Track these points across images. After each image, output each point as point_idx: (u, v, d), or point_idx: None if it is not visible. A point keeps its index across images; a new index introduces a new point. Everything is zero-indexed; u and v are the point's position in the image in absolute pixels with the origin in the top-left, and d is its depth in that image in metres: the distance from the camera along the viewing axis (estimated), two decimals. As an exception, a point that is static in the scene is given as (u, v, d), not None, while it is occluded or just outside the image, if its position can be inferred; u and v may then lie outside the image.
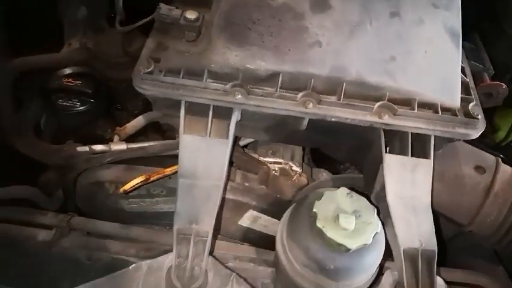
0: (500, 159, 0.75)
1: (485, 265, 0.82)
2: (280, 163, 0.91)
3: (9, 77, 0.84)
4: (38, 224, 0.72)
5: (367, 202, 0.55)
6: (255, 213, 0.86)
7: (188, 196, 0.61)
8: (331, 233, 0.52)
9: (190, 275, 0.56)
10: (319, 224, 0.53)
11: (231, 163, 0.83)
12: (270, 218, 0.86)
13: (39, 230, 0.71)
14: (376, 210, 0.55)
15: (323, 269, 0.54)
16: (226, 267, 0.59)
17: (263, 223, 0.87)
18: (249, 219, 0.87)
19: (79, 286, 0.55)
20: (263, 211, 0.85)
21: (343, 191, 0.56)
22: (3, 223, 0.70)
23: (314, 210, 0.54)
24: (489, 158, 0.75)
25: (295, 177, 0.90)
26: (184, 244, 0.58)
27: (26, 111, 0.84)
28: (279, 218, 0.64)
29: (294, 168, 0.91)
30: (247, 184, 0.86)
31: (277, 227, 0.62)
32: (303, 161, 0.94)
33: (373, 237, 0.53)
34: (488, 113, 1.24)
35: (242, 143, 0.91)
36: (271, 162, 0.91)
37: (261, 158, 0.90)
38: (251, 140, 0.91)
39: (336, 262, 0.53)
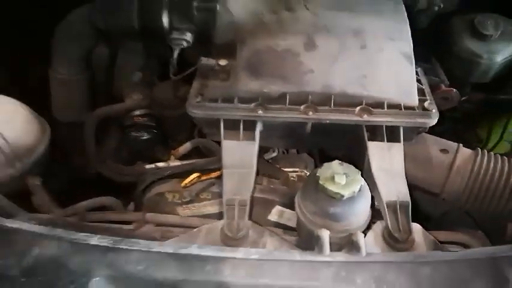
0: (461, 144, 1.00)
1: (467, 231, 1.02)
2: (297, 171, 1.17)
3: (93, 123, 1.17)
4: (122, 221, 0.99)
5: (354, 167, 0.81)
6: (281, 208, 1.10)
7: (231, 179, 0.88)
8: (330, 186, 0.77)
9: (237, 228, 0.81)
10: (321, 182, 0.78)
11: (258, 172, 1.09)
12: (292, 211, 1.10)
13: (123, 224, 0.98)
14: (360, 172, 0.80)
15: (327, 213, 0.78)
16: (262, 225, 0.84)
17: (287, 216, 1.10)
18: (276, 214, 1.10)
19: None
20: (286, 206, 1.10)
21: (337, 161, 0.82)
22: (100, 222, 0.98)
23: (317, 174, 0.79)
24: (451, 143, 0.99)
25: (309, 181, 1.16)
26: (231, 210, 0.84)
27: (107, 143, 1.15)
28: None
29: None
30: (272, 186, 1.11)
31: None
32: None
33: (360, 189, 0.78)
34: (471, 125, 1.50)
35: (267, 157, 1.18)
36: (290, 171, 1.17)
37: (282, 168, 1.17)
38: (274, 154, 1.18)
39: (335, 207, 0.77)
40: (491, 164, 0.93)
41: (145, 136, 1.12)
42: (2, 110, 1.05)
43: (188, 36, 1.05)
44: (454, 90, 1.09)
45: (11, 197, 1.01)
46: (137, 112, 1.15)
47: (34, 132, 1.08)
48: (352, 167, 0.81)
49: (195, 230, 0.83)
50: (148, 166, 1.06)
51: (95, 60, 1.29)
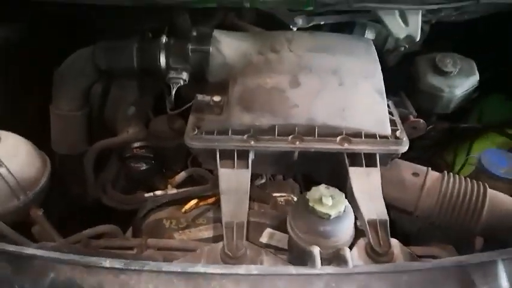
0: (430, 168, 1.13)
1: (439, 245, 1.14)
2: (284, 196, 1.27)
3: (93, 156, 1.24)
4: (125, 247, 1.06)
5: (338, 190, 0.91)
6: (271, 230, 1.18)
7: (228, 204, 0.97)
8: (319, 208, 0.87)
9: (236, 248, 0.89)
10: (310, 204, 0.88)
11: (250, 198, 1.19)
12: (282, 233, 1.19)
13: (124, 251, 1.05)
14: (344, 195, 0.91)
15: (317, 232, 0.87)
16: (257, 245, 0.92)
17: (277, 238, 1.19)
18: (266, 236, 1.18)
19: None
20: (276, 228, 1.18)
21: (323, 185, 0.92)
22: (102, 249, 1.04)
23: (307, 197, 0.89)
24: (421, 167, 1.12)
25: (295, 204, 1.26)
26: (230, 232, 0.92)
27: (108, 174, 1.22)
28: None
29: (295, 199, 1.27)
30: (262, 210, 1.20)
31: (287, 241, 0.94)
32: (301, 193, 1.31)
33: (345, 209, 0.88)
34: (439, 151, 1.64)
35: (256, 183, 1.28)
36: (278, 196, 1.27)
37: (271, 193, 1.26)
38: (263, 181, 1.28)
39: (324, 226, 0.87)
40: (457, 185, 1.06)
41: (144, 166, 1.20)
42: (6, 145, 1.12)
43: (184, 75, 1.15)
44: (421, 120, 1.23)
45: (13, 228, 1.06)
46: (136, 144, 1.24)
47: (36, 165, 1.15)
48: (337, 190, 0.91)
49: (197, 251, 0.91)
50: (147, 194, 1.13)
51: (90, 96, 1.37)
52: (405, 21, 1.20)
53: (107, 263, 0.79)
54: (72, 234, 1.09)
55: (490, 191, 1.05)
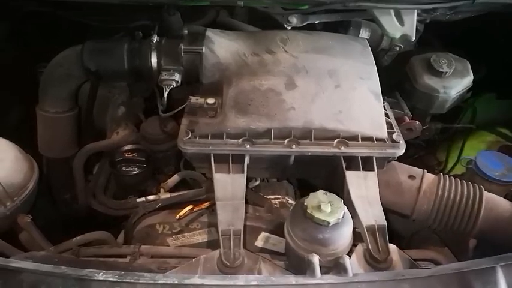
0: (425, 170, 1.12)
1: (435, 248, 1.14)
2: (279, 198, 1.25)
3: (82, 159, 1.20)
4: (117, 255, 1.03)
5: (336, 196, 0.90)
6: (266, 234, 1.17)
7: (224, 211, 0.94)
8: (317, 215, 0.85)
9: (234, 257, 0.87)
10: (309, 211, 0.86)
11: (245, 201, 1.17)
12: (277, 237, 1.17)
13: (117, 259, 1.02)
14: (342, 201, 0.89)
15: (315, 239, 0.86)
16: (254, 253, 0.91)
17: (273, 242, 1.18)
18: (262, 240, 1.17)
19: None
20: (271, 232, 1.17)
21: (321, 191, 0.90)
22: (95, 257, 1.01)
23: (305, 203, 0.88)
24: (417, 170, 1.11)
25: (290, 207, 1.24)
26: (226, 240, 0.90)
27: (98, 178, 1.18)
28: (283, 236, 0.95)
29: (290, 201, 1.25)
30: (257, 214, 1.19)
31: (283, 245, 0.93)
32: (295, 195, 1.29)
33: (343, 216, 0.87)
34: (432, 150, 1.65)
35: (250, 186, 1.25)
36: (273, 198, 1.25)
37: (266, 196, 1.24)
38: (257, 183, 1.26)
39: (323, 233, 0.85)
40: (453, 188, 1.05)
41: (136, 171, 1.17)
42: (-8, 150, 1.07)
43: (177, 76, 1.12)
44: (417, 122, 1.22)
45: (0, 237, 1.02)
46: (126, 148, 1.20)
47: (23, 170, 1.10)
48: (335, 195, 0.90)
49: (193, 260, 0.89)
50: (139, 199, 1.10)
51: (79, 96, 1.33)
52: (400, 21, 1.18)
53: (100, 275, 0.77)
54: (61, 241, 1.05)
55: (486, 193, 1.05)
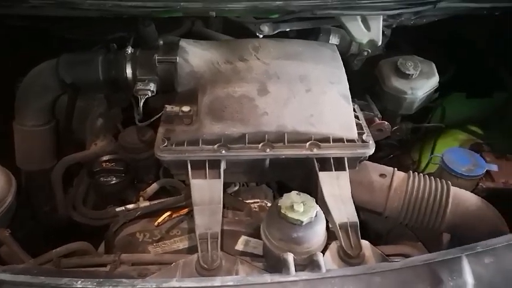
0: (396, 169, 1.16)
1: (409, 243, 1.18)
2: (258, 202, 1.28)
3: (60, 171, 1.21)
4: (98, 264, 1.04)
5: (309, 196, 0.93)
6: (246, 237, 1.19)
7: (201, 215, 0.97)
8: (290, 214, 0.89)
9: (211, 259, 0.89)
10: (283, 211, 0.89)
11: (223, 205, 1.19)
12: (257, 240, 1.20)
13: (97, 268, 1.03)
14: (315, 200, 0.92)
15: (290, 238, 0.88)
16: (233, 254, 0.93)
17: (253, 245, 1.20)
18: (242, 244, 1.19)
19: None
20: (251, 235, 1.19)
21: (294, 192, 0.94)
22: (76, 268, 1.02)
23: (279, 204, 0.91)
24: (388, 168, 1.16)
25: (269, 210, 1.27)
26: (204, 244, 0.92)
27: (77, 189, 1.19)
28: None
29: (268, 204, 1.28)
30: (237, 218, 1.21)
31: (262, 247, 0.95)
32: (274, 198, 1.32)
33: (316, 214, 0.90)
34: (406, 150, 1.70)
35: (229, 191, 1.28)
36: (252, 202, 1.27)
37: (245, 200, 1.27)
38: (236, 188, 1.28)
39: (297, 232, 0.88)
40: (422, 184, 1.10)
41: (114, 180, 1.18)
42: (-32, 165, 1.08)
43: (152, 86, 1.14)
44: (386, 123, 1.27)
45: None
46: (104, 158, 1.21)
47: (1, 184, 1.11)
48: (308, 195, 0.93)
49: (172, 265, 0.91)
50: (118, 209, 1.12)
51: (56, 109, 1.34)
52: (367, 27, 1.23)
53: (79, 284, 0.78)
54: (42, 252, 1.06)
55: (453, 188, 1.10)
